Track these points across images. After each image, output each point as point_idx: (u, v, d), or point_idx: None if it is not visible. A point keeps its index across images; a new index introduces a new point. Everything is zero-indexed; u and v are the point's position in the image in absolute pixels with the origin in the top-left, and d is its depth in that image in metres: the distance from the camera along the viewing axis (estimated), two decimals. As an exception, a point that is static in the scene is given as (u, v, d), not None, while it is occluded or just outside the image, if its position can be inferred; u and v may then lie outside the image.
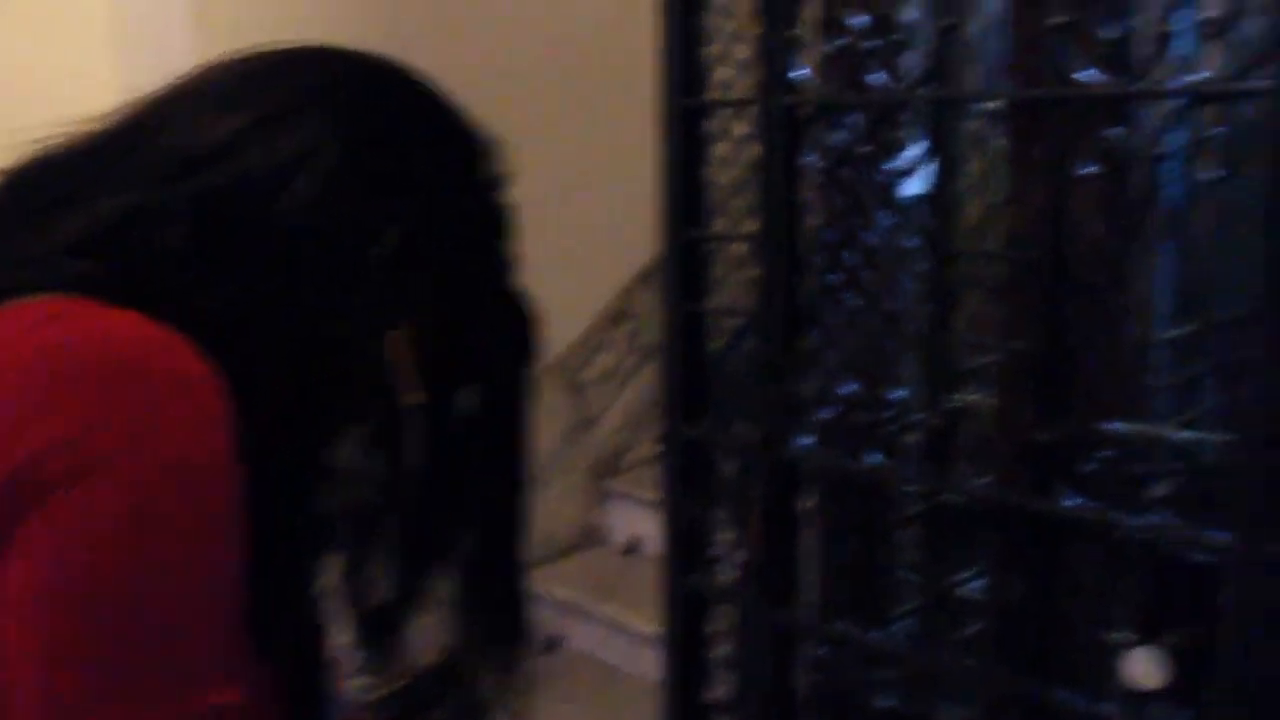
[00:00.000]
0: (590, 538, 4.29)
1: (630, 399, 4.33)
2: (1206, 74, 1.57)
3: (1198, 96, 1.60)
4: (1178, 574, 1.76)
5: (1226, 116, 1.57)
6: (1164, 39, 1.60)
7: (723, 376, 2.28)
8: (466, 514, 1.16)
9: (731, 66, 2.21)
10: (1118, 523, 1.73)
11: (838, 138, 2.00)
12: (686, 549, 2.35)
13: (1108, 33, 1.65)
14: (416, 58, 1.12)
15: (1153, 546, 1.77)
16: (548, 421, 4.06)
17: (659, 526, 2.39)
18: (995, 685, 1.94)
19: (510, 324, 1.18)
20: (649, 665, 3.57)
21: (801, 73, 2.02)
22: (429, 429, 1.07)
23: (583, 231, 3.97)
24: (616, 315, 4.24)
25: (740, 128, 2.20)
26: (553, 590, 3.88)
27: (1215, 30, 1.54)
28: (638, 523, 4.15)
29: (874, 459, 2.01)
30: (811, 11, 2.06)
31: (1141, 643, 1.72)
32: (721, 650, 2.38)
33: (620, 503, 4.28)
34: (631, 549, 4.19)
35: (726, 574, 2.32)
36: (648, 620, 3.59)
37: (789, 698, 2.22)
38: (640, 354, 4.32)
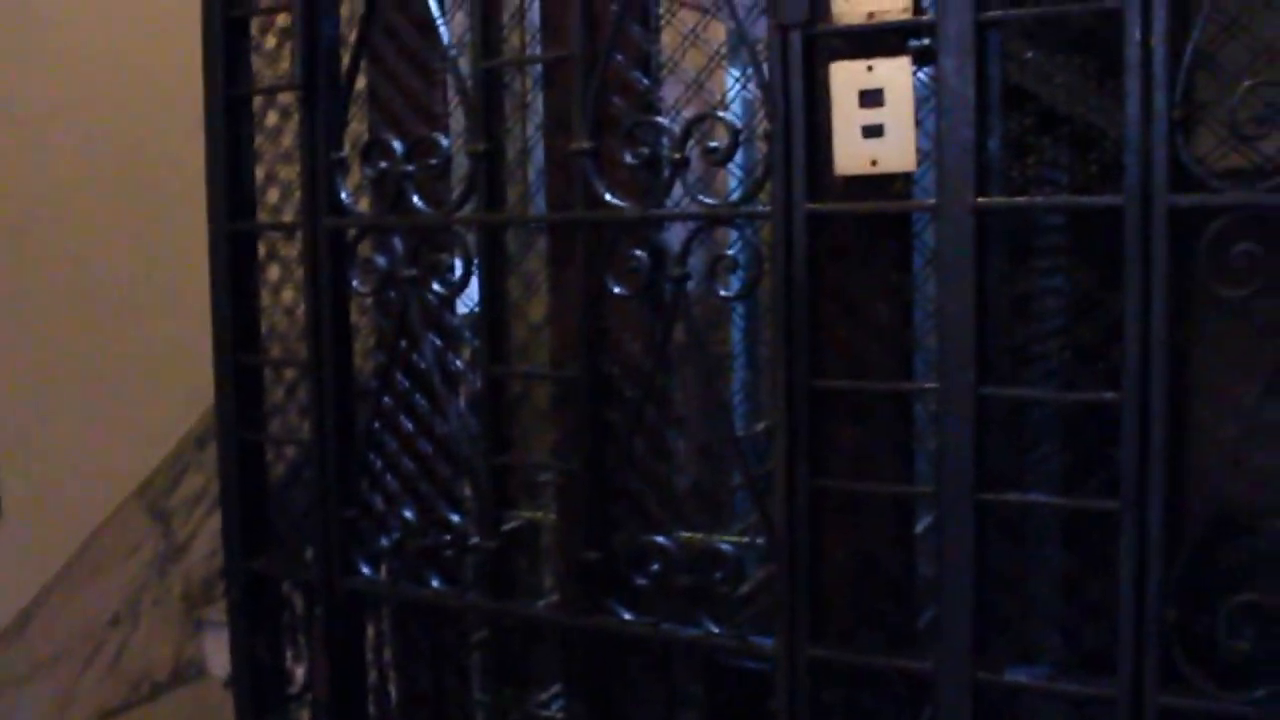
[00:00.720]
0: (188, 671, 4.02)
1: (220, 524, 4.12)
2: (713, 201, 1.63)
3: (711, 219, 1.66)
4: (735, 679, 1.81)
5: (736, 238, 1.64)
6: (680, 165, 1.65)
7: (284, 506, 2.18)
8: None
9: (279, 189, 2.14)
10: (671, 635, 1.75)
11: (382, 261, 1.96)
12: (258, 687, 2.21)
13: (631, 158, 1.69)
14: None
15: (708, 655, 1.81)
16: (134, 551, 3.81)
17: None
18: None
19: None
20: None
21: (346, 197, 1.97)
22: None
23: (163, 352, 3.78)
24: (202, 437, 4.03)
25: (290, 250, 2.13)
26: (148, 733, 3.61)
27: (720, 159, 1.61)
28: (237, 652, 3.95)
29: (435, 585, 1.96)
30: (355, 134, 2.03)
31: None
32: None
33: (219, 631, 4.05)
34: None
35: (306, 709, 2.21)
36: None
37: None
38: (228, 475, 4.14)
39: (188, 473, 4.02)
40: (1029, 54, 1.62)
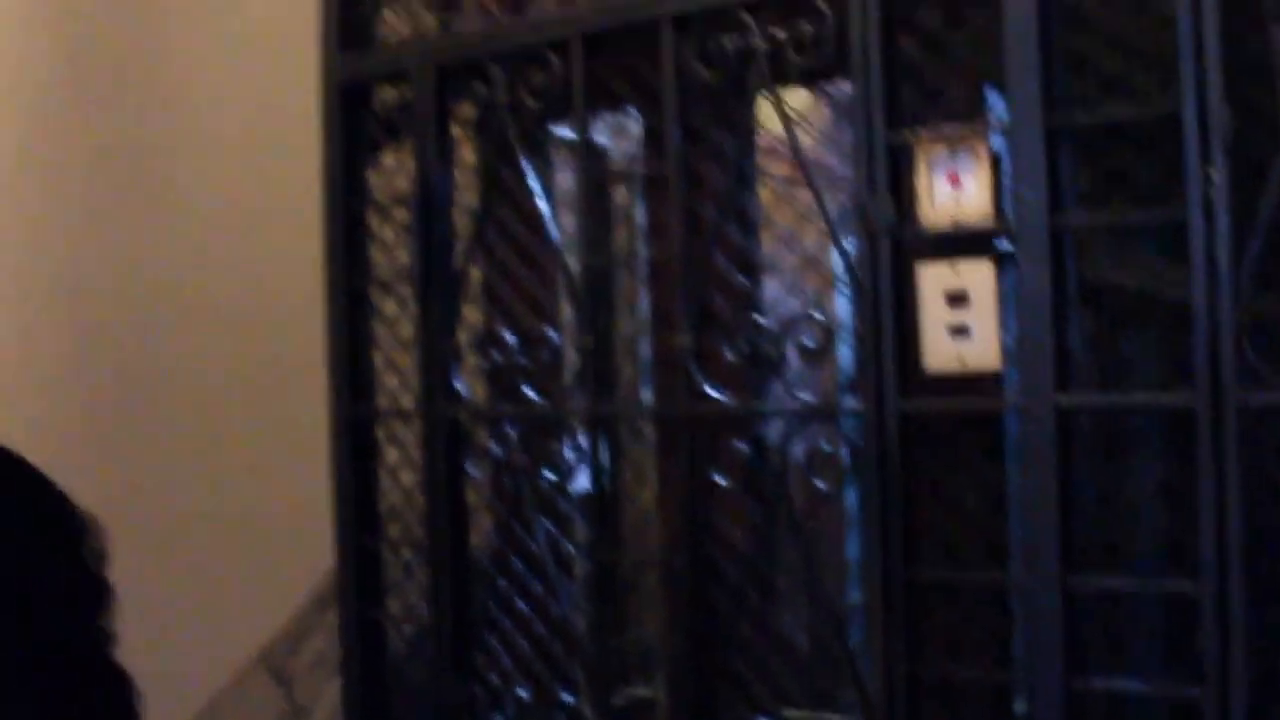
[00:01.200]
0: (306, 834, 4.08)
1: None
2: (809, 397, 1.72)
3: (810, 414, 1.74)
4: None
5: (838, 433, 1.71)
6: (778, 362, 1.74)
7: (403, 683, 2.27)
8: None
9: (395, 376, 2.27)
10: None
11: (497, 448, 2.06)
12: None
13: (732, 355, 1.78)
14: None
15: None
16: (256, 715, 3.91)
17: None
18: None
19: (114, 697, 1.18)
20: None
21: (461, 385, 2.09)
22: None
23: (286, 514, 3.94)
24: (323, 600, 4.15)
25: (409, 436, 2.25)
26: None
27: (815, 356, 1.69)
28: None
29: (548, 765, 2.02)
30: (469, 325, 2.15)
31: None
32: None
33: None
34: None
35: None
36: None
37: None
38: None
39: (308, 636, 4.13)
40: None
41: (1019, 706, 1.65)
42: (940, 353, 1.62)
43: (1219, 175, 1.42)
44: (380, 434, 2.27)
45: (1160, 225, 1.53)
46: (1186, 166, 1.45)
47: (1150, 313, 1.63)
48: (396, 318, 2.28)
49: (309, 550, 3.97)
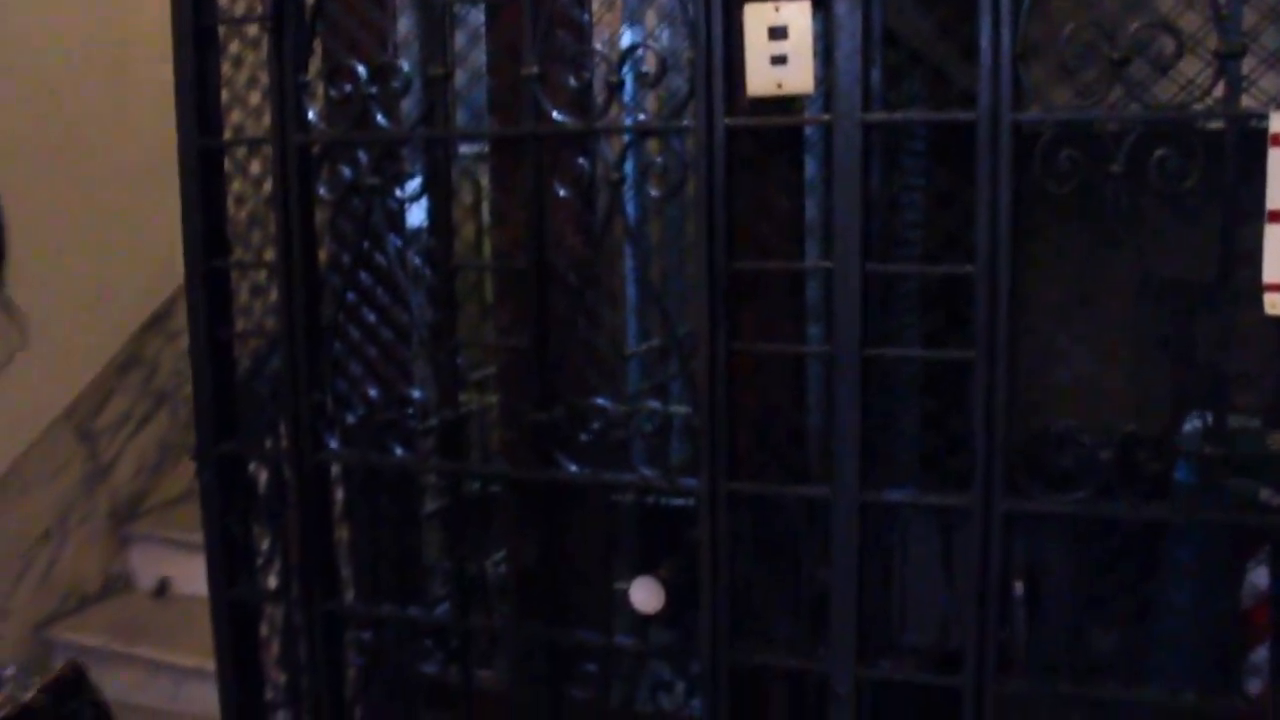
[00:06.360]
0: (115, 585, 4.23)
1: (145, 443, 4.34)
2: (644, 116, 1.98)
3: (643, 132, 2.00)
4: (663, 517, 2.17)
5: (666, 149, 1.99)
6: (616, 87, 1.98)
7: (250, 395, 2.46)
8: None
9: (241, 111, 2.41)
10: (611, 480, 2.10)
11: (347, 172, 2.25)
12: (228, 561, 2.50)
13: (573, 81, 2.02)
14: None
15: (641, 496, 2.17)
16: (62, 471, 4.01)
17: (188, 564, 2.51)
18: (523, 638, 2.26)
19: None
20: (194, 702, 3.63)
21: (310, 115, 2.26)
22: None
23: (89, 280, 4.00)
24: (127, 362, 4.23)
25: (255, 166, 2.40)
26: (80, 639, 3.83)
27: (651, 82, 1.95)
28: (166, 564, 4.17)
29: (398, 454, 2.28)
30: (318, 59, 2.30)
31: (640, 577, 2.09)
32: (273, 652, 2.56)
33: (145, 545, 4.26)
34: (161, 590, 4.19)
35: (272, 580, 2.50)
36: (188, 655, 3.66)
37: (339, 682, 2.44)
38: (154, 398, 4.35)
39: (112, 396, 4.23)
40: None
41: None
42: (761, 79, 1.90)
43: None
44: (229, 164, 2.41)
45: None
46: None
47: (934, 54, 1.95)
48: (242, 55, 2.41)
49: (111, 315, 4.07)
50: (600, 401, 2.11)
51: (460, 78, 2.24)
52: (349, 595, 2.45)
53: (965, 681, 1.90)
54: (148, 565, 4.29)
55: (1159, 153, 1.73)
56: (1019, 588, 1.89)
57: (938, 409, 1.95)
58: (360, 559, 2.46)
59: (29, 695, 1.17)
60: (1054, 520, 1.87)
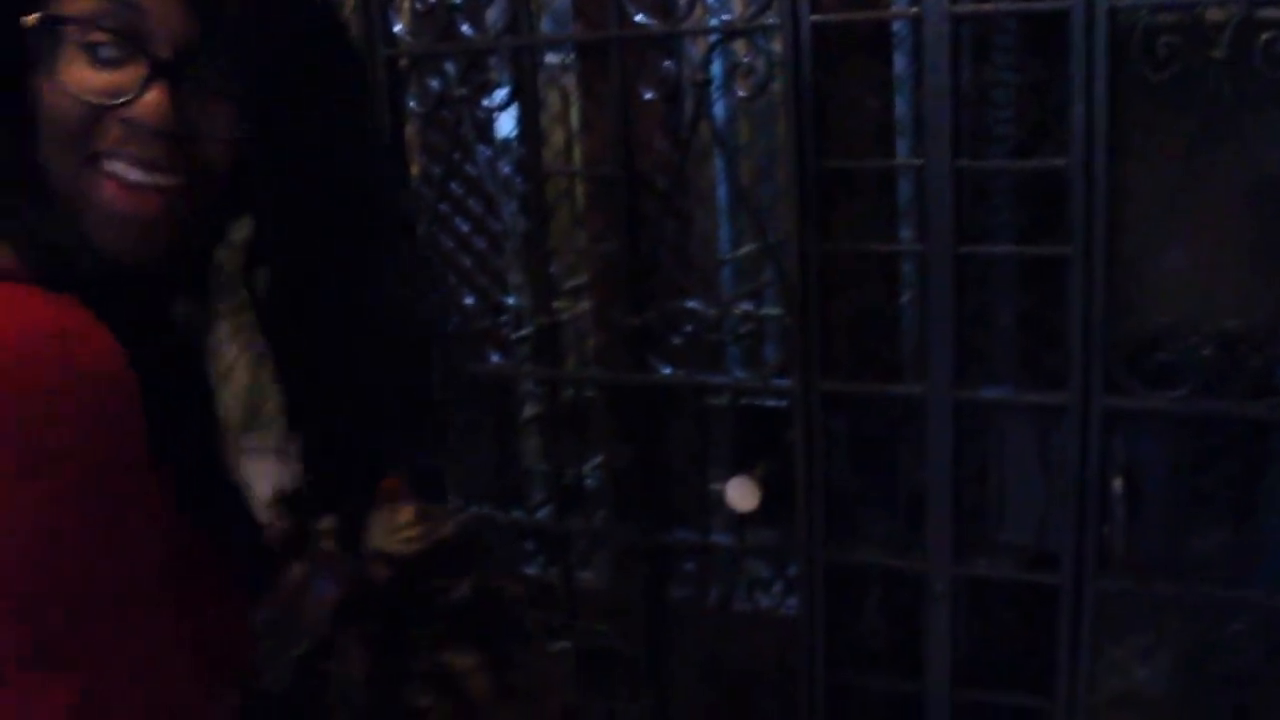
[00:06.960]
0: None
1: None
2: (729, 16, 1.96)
3: (728, 32, 1.98)
4: (757, 418, 2.18)
5: (752, 49, 1.96)
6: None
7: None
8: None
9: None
10: (704, 382, 2.12)
11: (435, 84, 2.25)
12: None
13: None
14: None
15: (735, 398, 2.18)
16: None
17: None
18: (621, 539, 2.30)
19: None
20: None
21: (397, 28, 2.26)
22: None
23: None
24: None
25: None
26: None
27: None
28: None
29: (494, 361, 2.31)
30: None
31: (735, 477, 2.11)
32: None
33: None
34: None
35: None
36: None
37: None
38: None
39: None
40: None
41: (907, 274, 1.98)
42: (847, -28, 1.86)
43: None
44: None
45: None
46: None
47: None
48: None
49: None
50: (693, 305, 2.11)
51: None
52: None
53: (1063, 580, 1.90)
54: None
55: (1265, 36, 1.67)
56: (1118, 486, 1.87)
57: (1034, 306, 1.93)
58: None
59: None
60: (1153, 418, 1.84)
